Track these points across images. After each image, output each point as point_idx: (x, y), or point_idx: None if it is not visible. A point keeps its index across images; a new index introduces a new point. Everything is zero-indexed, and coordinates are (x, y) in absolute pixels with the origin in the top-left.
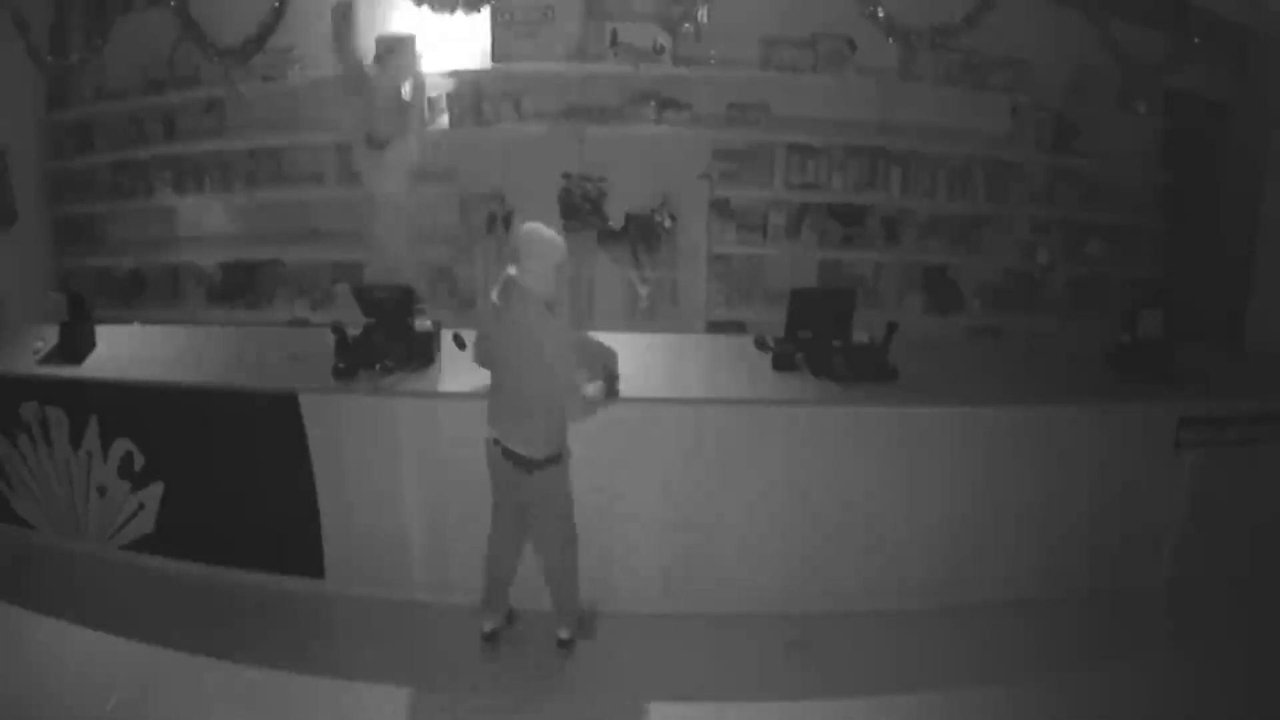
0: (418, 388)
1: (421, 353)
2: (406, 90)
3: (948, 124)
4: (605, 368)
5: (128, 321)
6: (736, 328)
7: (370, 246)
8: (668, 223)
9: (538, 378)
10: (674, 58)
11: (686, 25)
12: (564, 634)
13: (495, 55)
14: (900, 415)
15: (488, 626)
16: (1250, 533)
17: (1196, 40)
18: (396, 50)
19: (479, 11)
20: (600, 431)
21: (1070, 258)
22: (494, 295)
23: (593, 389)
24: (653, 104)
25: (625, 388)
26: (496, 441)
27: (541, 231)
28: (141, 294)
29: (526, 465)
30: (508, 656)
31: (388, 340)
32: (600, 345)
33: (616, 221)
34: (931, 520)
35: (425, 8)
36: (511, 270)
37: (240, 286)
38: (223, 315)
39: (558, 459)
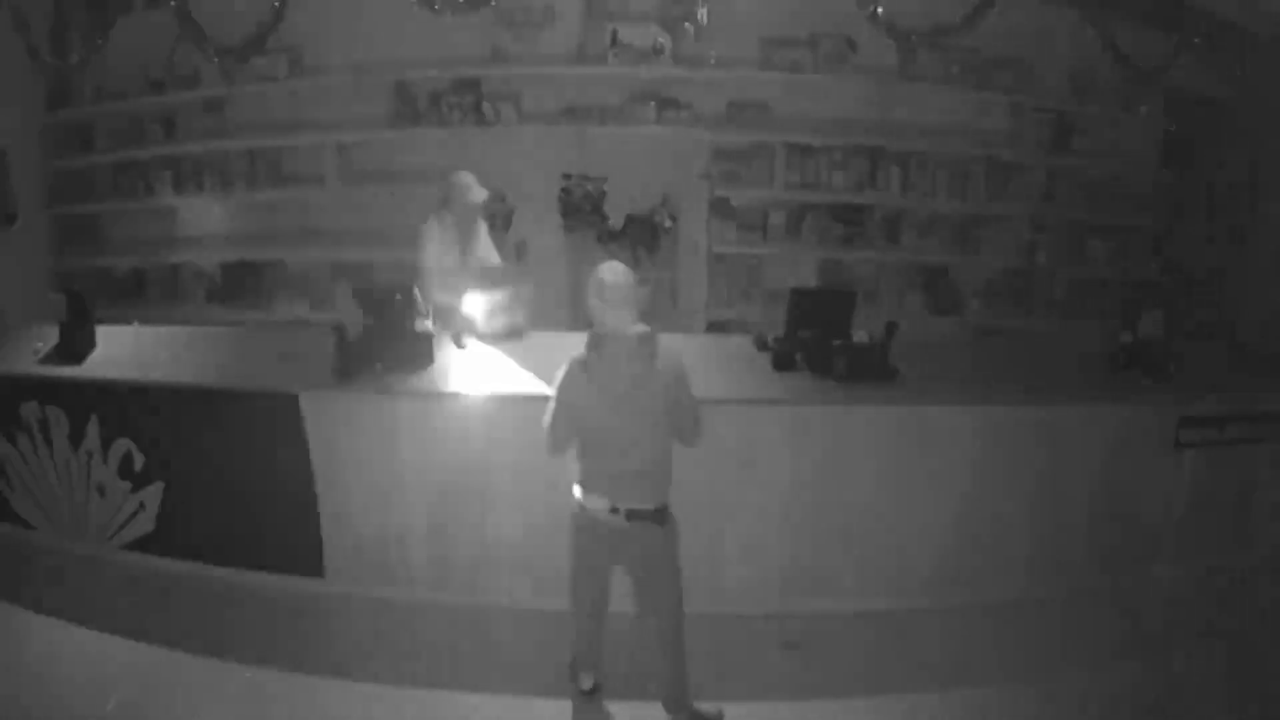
0: (418, 388)
1: (421, 353)
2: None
3: (948, 124)
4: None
5: (128, 321)
6: (736, 328)
7: None
8: (668, 223)
9: (655, 423)
10: (674, 58)
11: (686, 25)
12: None
13: (495, 55)
14: (900, 415)
15: (586, 686)
16: (1250, 533)
17: (1196, 40)
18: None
19: (479, 11)
20: None
21: (1070, 258)
22: (582, 357)
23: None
24: (653, 104)
25: None
26: (614, 509)
27: (617, 267)
28: (141, 294)
29: (651, 518)
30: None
31: (388, 340)
32: None
33: (616, 221)
34: (931, 520)
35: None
36: (603, 322)
37: (240, 286)
38: (223, 315)
39: (668, 509)
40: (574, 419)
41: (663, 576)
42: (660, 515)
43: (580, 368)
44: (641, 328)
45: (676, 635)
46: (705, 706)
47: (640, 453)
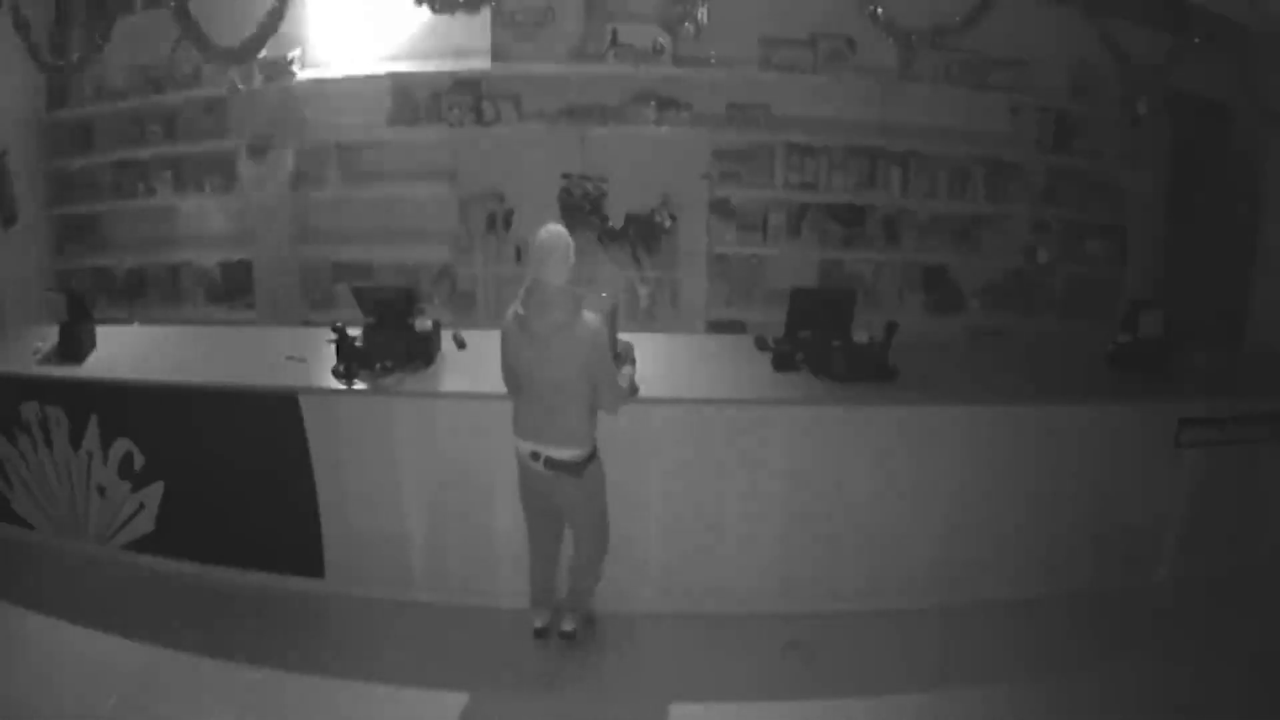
0: (418, 388)
1: (421, 353)
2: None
3: (948, 124)
4: (624, 356)
5: (128, 321)
6: (736, 328)
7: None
8: (668, 223)
9: (571, 376)
10: (674, 58)
11: (686, 25)
12: (568, 626)
13: (495, 55)
14: (900, 415)
15: (538, 623)
16: (1250, 533)
17: (1196, 40)
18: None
19: (479, 11)
20: (600, 432)
21: (1070, 258)
22: (516, 308)
23: (626, 371)
24: (653, 104)
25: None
26: (534, 454)
27: (553, 228)
28: (141, 294)
29: (566, 469)
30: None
31: (388, 340)
32: (617, 336)
33: (616, 221)
34: (931, 520)
35: (425, 7)
36: (534, 277)
37: (240, 286)
38: (223, 315)
39: (594, 456)
40: (509, 365)
41: (582, 520)
42: (576, 468)
43: (513, 317)
44: (564, 280)
45: (592, 566)
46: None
47: (557, 402)
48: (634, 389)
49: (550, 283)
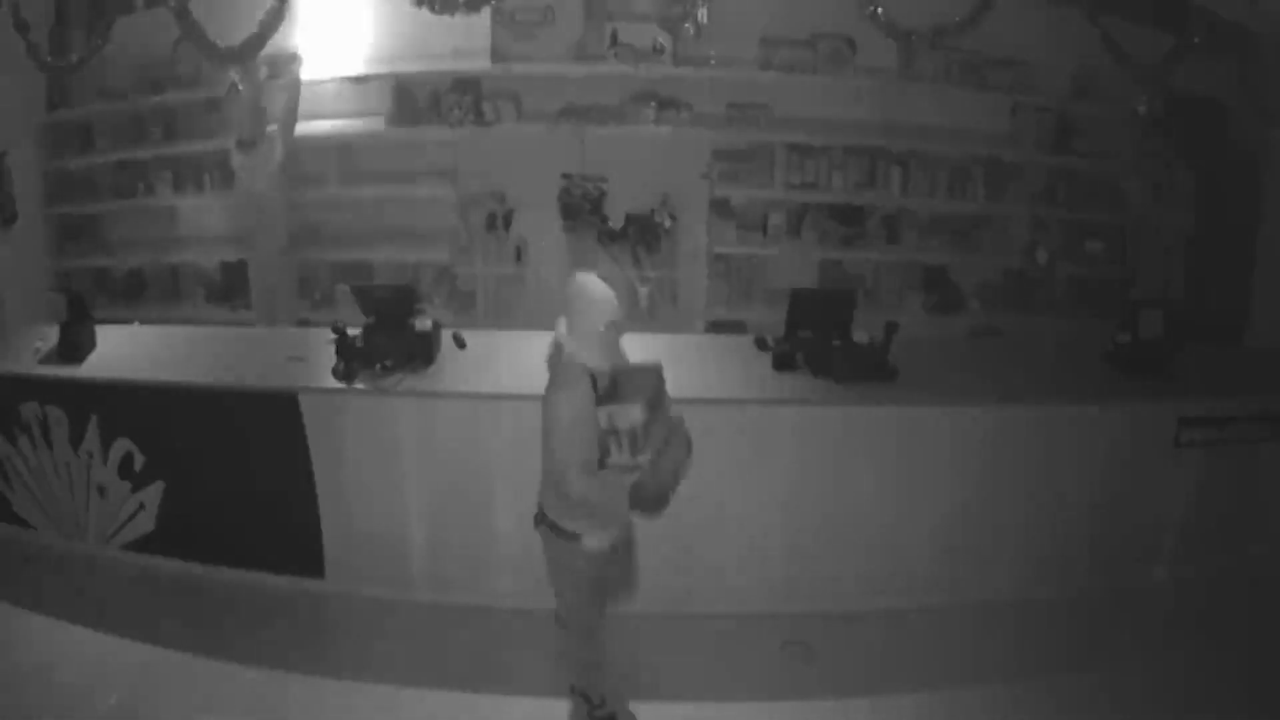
0: (418, 388)
1: (421, 353)
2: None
3: (948, 124)
4: (647, 436)
5: (128, 321)
6: (736, 328)
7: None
8: (668, 223)
9: (549, 446)
10: (674, 58)
11: (686, 25)
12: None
13: (495, 55)
14: (900, 415)
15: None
16: (1250, 533)
17: (1196, 40)
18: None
19: (479, 11)
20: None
21: (1070, 258)
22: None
23: (593, 538)
24: (653, 104)
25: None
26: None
27: (589, 284)
28: (141, 294)
29: (536, 519)
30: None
31: (388, 340)
32: (678, 427)
33: (616, 221)
34: (931, 520)
35: (425, 8)
36: (560, 328)
37: (240, 286)
38: (223, 315)
39: (566, 534)
40: None
41: (554, 582)
42: (543, 523)
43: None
44: (588, 353)
45: (577, 639)
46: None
47: (545, 466)
48: (655, 497)
49: (557, 329)
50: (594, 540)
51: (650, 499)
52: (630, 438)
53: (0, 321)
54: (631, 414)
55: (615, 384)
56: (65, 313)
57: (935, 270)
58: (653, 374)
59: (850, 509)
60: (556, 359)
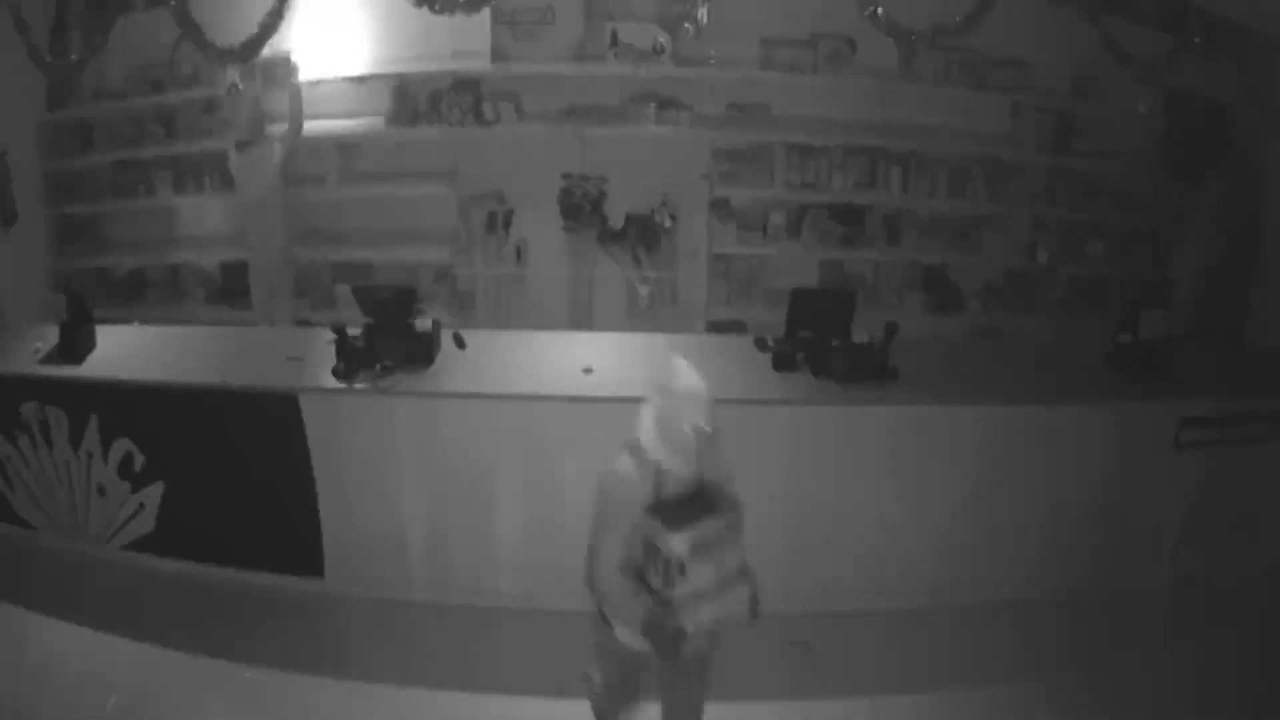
0: (418, 388)
1: (421, 353)
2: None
3: (948, 124)
4: (696, 607)
5: (128, 321)
6: (736, 328)
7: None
8: (668, 223)
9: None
10: (674, 58)
11: (686, 25)
12: None
13: (495, 55)
14: (900, 415)
15: None
16: (1250, 533)
17: (1196, 40)
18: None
19: (479, 12)
20: (600, 431)
21: (1070, 258)
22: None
23: (624, 633)
24: (653, 104)
25: (624, 388)
26: None
27: (682, 372)
28: (141, 294)
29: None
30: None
31: (388, 340)
32: (742, 579)
33: (616, 221)
34: (931, 520)
35: (425, 8)
36: (645, 412)
37: (240, 286)
38: (223, 315)
39: (604, 623)
40: None
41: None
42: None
43: None
44: (672, 456)
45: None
46: None
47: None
48: (668, 640)
49: (643, 410)
50: (625, 636)
51: (662, 640)
52: (663, 566)
53: (0, 322)
54: (672, 542)
55: (679, 500)
56: (65, 313)
57: (935, 270)
58: (731, 510)
59: (850, 509)
60: (635, 442)
